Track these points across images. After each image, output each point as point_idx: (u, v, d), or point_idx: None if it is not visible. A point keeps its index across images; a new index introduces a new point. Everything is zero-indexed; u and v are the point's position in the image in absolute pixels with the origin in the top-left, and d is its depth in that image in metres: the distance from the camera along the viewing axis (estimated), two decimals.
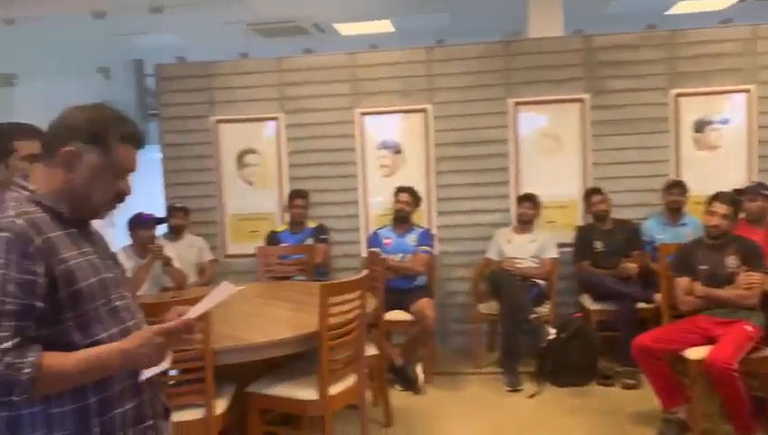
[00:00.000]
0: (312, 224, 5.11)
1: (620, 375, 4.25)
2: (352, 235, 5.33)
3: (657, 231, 4.70)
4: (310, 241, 5.00)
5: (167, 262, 4.23)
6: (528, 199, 4.86)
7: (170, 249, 4.41)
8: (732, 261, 3.47)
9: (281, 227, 5.14)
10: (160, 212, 4.88)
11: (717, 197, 3.54)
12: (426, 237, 4.71)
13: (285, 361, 3.49)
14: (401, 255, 4.65)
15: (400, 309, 4.45)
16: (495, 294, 4.61)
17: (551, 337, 4.21)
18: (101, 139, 1.47)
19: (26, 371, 1.29)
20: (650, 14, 7.77)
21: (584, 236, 4.82)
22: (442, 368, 4.69)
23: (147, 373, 1.49)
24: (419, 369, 4.36)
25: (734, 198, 3.58)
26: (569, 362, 4.26)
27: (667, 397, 3.45)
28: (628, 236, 4.70)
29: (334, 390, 3.04)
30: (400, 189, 4.76)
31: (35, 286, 1.35)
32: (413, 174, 5.22)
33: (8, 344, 1.29)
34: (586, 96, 5.06)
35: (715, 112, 4.98)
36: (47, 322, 1.38)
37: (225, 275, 5.29)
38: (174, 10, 6.43)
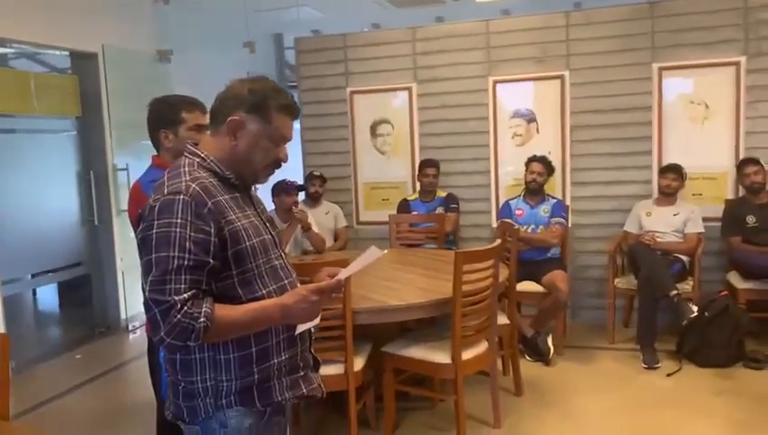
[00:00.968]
0: (442, 193, 5.15)
1: None
2: (483, 204, 5.32)
3: None
4: (440, 210, 5.06)
5: (308, 227, 4.46)
6: (672, 170, 4.60)
7: (309, 215, 4.63)
8: None
9: (412, 196, 5.23)
10: (300, 180, 5.13)
11: None
12: (559, 208, 4.61)
13: (417, 325, 3.61)
14: (533, 226, 4.59)
15: (532, 280, 4.41)
16: (634, 268, 4.44)
17: (693, 315, 3.99)
18: (262, 109, 1.58)
19: (201, 319, 1.44)
20: None
21: (735, 211, 4.50)
22: (573, 342, 4.61)
23: (301, 327, 1.62)
24: (550, 341, 4.32)
25: None
26: (712, 342, 4.04)
27: None
28: None
29: (466, 355, 3.10)
30: (533, 159, 4.66)
31: (209, 245, 1.49)
32: (547, 143, 5.09)
33: (186, 295, 1.44)
34: (741, 59, 4.67)
35: None
36: (216, 277, 1.52)
37: (357, 241, 5.50)
38: None
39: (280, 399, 1.62)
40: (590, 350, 4.49)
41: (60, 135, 5.42)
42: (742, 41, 4.67)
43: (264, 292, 1.58)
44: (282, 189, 4.48)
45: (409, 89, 5.41)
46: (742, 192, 4.62)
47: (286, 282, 1.65)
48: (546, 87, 5.10)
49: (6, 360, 2.41)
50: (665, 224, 4.55)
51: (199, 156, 1.61)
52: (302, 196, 5.15)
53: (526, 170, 4.65)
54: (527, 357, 4.32)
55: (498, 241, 3.41)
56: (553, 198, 4.72)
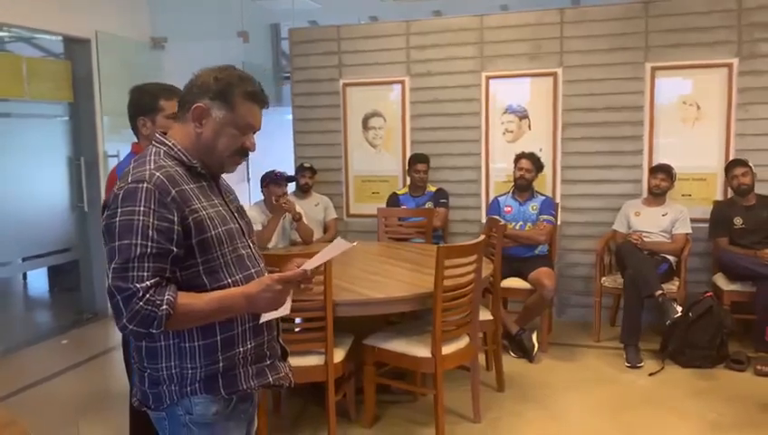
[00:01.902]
0: (432, 188, 5.16)
1: (753, 361, 4.00)
2: (473, 200, 5.32)
3: None
4: (429, 205, 5.06)
5: (298, 217, 4.45)
6: (662, 170, 4.60)
7: (297, 206, 4.63)
8: None
9: (402, 190, 5.23)
10: (290, 171, 5.13)
11: None
12: (548, 206, 4.61)
13: (401, 318, 3.62)
14: (521, 223, 4.59)
15: (519, 277, 4.42)
16: (621, 267, 4.45)
17: (677, 315, 4.00)
18: (226, 95, 1.58)
19: (163, 307, 1.45)
20: None
21: (722, 212, 4.51)
22: (558, 339, 4.63)
23: (266, 317, 1.62)
24: (534, 337, 4.33)
25: None
26: (695, 343, 4.06)
27: None
28: None
29: (447, 349, 3.11)
30: (521, 156, 4.65)
31: (172, 233, 1.49)
32: (538, 140, 5.09)
33: (149, 283, 1.45)
34: (734, 60, 4.67)
35: None
36: (180, 266, 1.53)
37: (347, 233, 5.51)
38: None
39: (245, 387, 1.62)
40: (575, 347, 4.51)
41: (51, 120, 5.41)
42: (735, 43, 4.67)
43: (229, 281, 1.58)
44: (271, 180, 4.47)
45: (402, 82, 5.40)
46: (731, 194, 4.63)
47: (253, 271, 1.65)
48: (539, 84, 5.09)
49: None
50: (653, 224, 4.56)
51: (166, 144, 1.61)
52: (292, 187, 5.15)
53: (515, 167, 4.65)
54: (511, 353, 4.33)
55: (482, 236, 3.42)
56: (542, 195, 4.72)
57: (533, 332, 4.35)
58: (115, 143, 5.47)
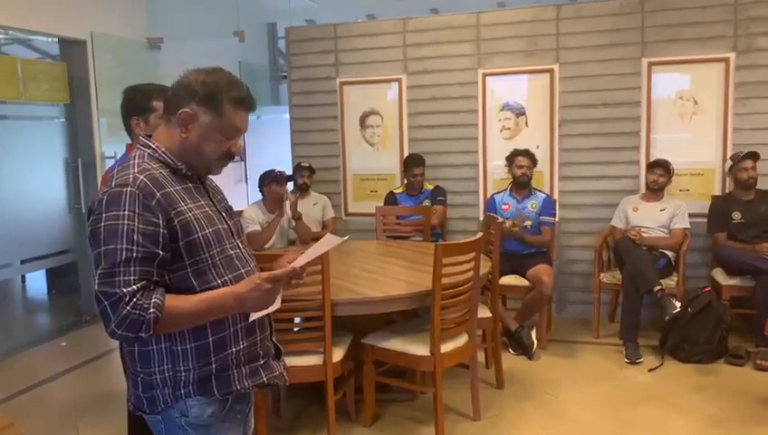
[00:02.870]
0: (429, 186, 5.15)
1: (753, 356, 3.99)
2: (470, 197, 5.32)
3: None
4: (427, 203, 5.05)
5: (298, 217, 4.45)
6: (660, 166, 4.59)
7: (298, 206, 4.63)
8: None
9: (399, 189, 5.22)
10: (288, 170, 5.12)
11: None
12: (548, 206, 4.59)
13: (400, 317, 3.62)
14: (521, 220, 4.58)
15: (518, 274, 4.42)
16: (620, 263, 4.45)
17: (676, 311, 4.00)
18: (214, 101, 1.55)
19: (151, 311, 1.43)
20: None
21: (721, 207, 4.50)
22: (558, 336, 4.63)
23: (255, 315, 1.61)
24: (534, 334, 4.33)
25: None
26: (694, 338, 4.05)
27: None
28: None
29: (445, 347, 3.10)
30: (517, 153, 4.61)
31: (158, 236, 1.48)
32: (535, 137, 5.09)
33: (135, 287, 1.43)
34: (731, 55, 4.66)
35: None
36: (168, 269, 1.52)
37: (345, 232, 5.48)
38: None
39: (239, 387, 1.61)
40: (575, 344, 4.51)
41: (48, 122, 5.40)
42: (731, 37, 4.66)
43: (218, 282, 1.57)
44: (272, 179, 4.48)
45: (399, 80, 5.39)
46: (729, 188, 4.62)
47: (243, 271, 1.64)
48: (536, 81, 5.09)
49: None
50: (651, 219, 4.55)
51: (150, 147, 1.60)
52: (290, 186, 5.15)
53: (512, 165, 4.62)
54: (511, 351, 4.33)
55: (480, 234, 3.41)
56: (541, 192, 4.71)
57: (533, 329, 4.35)
58: (112, 145, 5.45)
